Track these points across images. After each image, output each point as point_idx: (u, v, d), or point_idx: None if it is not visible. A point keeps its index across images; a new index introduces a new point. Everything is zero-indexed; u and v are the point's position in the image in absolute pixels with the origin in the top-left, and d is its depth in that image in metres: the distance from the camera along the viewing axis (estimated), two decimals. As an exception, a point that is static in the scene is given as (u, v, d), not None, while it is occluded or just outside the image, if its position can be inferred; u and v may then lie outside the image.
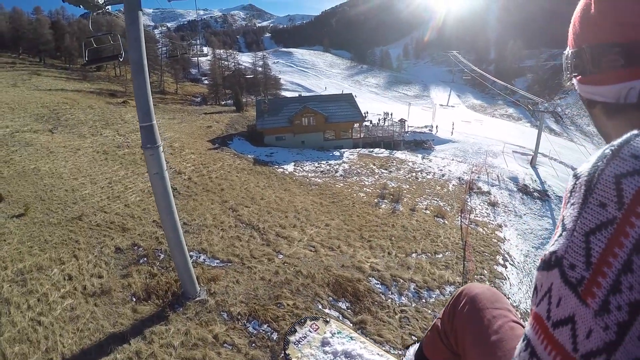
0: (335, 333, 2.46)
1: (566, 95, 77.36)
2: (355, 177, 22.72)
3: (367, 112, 44.97)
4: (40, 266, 10.63)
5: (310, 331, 2.45)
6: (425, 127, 42.13)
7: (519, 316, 1.22)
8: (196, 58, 76.15)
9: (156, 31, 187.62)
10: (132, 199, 15.29)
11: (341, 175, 22.99)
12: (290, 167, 23.61)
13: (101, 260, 11.10)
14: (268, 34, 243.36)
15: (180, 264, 9.22)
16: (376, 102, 66.71)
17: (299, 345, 2.36)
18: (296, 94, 71.49)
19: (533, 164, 32.25)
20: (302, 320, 2.58)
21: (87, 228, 12.74)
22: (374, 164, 25.81)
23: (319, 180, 21.57)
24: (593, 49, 0.61)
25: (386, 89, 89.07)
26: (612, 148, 0.46)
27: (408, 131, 37.21)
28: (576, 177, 0.50)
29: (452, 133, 41.66)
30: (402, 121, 40.03)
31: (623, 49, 0.56)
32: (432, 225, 17.63)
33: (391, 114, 49.43)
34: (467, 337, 1.23)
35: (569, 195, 0.50)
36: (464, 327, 1.25)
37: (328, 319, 2.63)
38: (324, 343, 2.37)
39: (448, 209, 20.19)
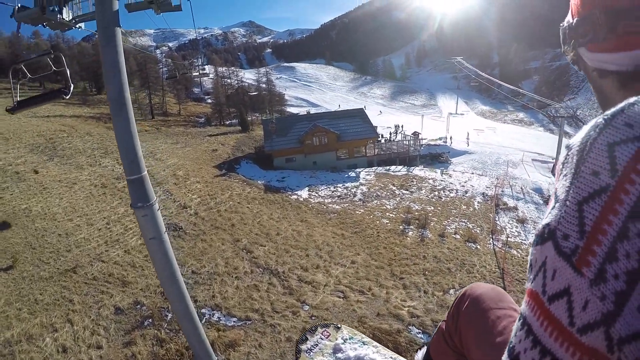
0: (347, 339, 2.43)
1: (575, 95, 75.90)
2: (375, 201, 21.14)
3: (376, 127, 43.71)
4: (30, 335, 9.20)
5: (321, 338, 2.43)
6: (440, 139, 40.64)
7: None
8: (199, 77, 75.89)
9: (157, 51, 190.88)
10: (132, 242, 13.80)
11: (360, 199, 21.41)
12: (304, 193, 22.07)
13: (99, 325, 9.60)
14: (269, 50, 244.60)
15: (191, 335, 7.62)
16: (384, 115, 65.38)
17: (311, 353, 2.34)
18: (302, 110, 70.86)
19: (554, 171, 30.96)
20: (314, 328, 2.54)
21: (82, 283, 11.25)
22: (393, 184, 24.23)
23: (337, 207, 20.01)
24: (608, 13, 0.57)
25: (393, 99, 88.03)
26: (605, 117, 0.46)
27: (423, 144, 35.63)
28: (568, 148, 0.49)
29: (467, 144, 40.28)
30: (415, 134, 38.57)
31: None
32: (465, 253, 16.32)
33: (402, 126, 48.10)
34: (471, 339, 1.19)
35: (561, 167, 0.49)
36: (468, 328, 1.22)
37: (339, 325, 2.57)
38: (336, 350, 2.35)
39: (478, 231, 18.90)
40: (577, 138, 0.48)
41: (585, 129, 0.48)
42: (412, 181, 25.46)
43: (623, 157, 0.41)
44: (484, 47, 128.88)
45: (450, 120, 45.36)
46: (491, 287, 1.29)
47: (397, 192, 22.98)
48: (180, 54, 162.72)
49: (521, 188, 26.24)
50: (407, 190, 23.45)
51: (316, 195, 21.96)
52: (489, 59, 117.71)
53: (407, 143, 34.02)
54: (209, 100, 69.08)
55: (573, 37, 0.65)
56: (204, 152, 32.97)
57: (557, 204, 0.46)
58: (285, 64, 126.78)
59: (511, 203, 23.26)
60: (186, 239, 13.93)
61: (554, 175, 30.38)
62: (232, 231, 15.21)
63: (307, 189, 23.01)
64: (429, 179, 26.43)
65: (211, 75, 78.62)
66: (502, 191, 25.10)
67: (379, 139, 34.13)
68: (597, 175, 0.42)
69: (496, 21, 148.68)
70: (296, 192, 22.23)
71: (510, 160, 34.56)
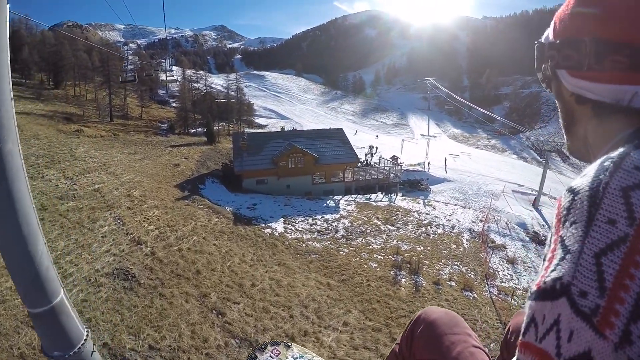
0: (297, 357, 2.40)
1: (546, 124, 79.02)
2: (360, 239, 19.30)
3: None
4: None
5: (271, 357, 2.40)
6: (418, 164, 39.86)
7: (479, 340, 1.22)
8: (164, 78, 72.25)
9: (125, 48, 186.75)
10: (72, 295, 11.04)
11: (343, 235, 19.49)
12: (279, 226, 19.81)
13: None
14: (239, 56, 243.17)
15: None
16: (355, 131, 64.58)
17: None
18: (271, 121, 68.77)
19: (536, 205, 31.72)
20: (263, 346, 2.50)
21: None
22: (377, 218, 22.56)
23: (318, 245, 17.95)
24: (598, 43, 0.56)
25: (363, 116, 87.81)
26: (613, 160, 0.45)
27: (403, 171, 34.55)
28: (573, 192, 0.47)
29: (445, 171, 39.85)
30: (394, 159, 37.51)
31: (634, 52, 0.52)
32: (464, 305, 15.24)
33: (376, 148, 47.18)
34: None
35: (566, 212, 0.47)
36: (422, 354, 1.23)
37: (290, 343, 2.53)
38: (286, 368, 2.29)
39: (472, 276, 18.04)
40: (584, 182, 0.46)
41: (590, 171, 0.46)
42: (397, 214, 23.97)
43: None
44: (453, 70, 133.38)
45: (429, 145, 44.89)
46: (445, 311, 1.30)
47: (382, 227, 21.31)
48: (148, 53, 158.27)
49: (506, 223, 25.86)
50: (393, 225, 21.86)
51: (293, 229, 19.78)
52: (459, 82, 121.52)
53: (387, 169, 32.73)
54: (174, 104, 65.32)
55: (553, 57, 0.64)
56: (164, 166, 29.89)
57: (569, 256, 0.42)
58: (255, 72, 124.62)
59: (499, 240, 22.78)
60: (140, 293, 11.31)
61: (535, 208, 30.54)
62: (197, 280, 12.73)
63: (282, 220, 20.76)
64: (414, 212, 25.10)
65: (178, 78, 75.18)
66: (489, 227, 24.56)
67: (359, 164, 32.56)
68: (614, 224, 0.41)
69: (466, 46, 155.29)
70: (270, 224, 19.94)
71: (490, 191, 34.30)
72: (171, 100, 71.89)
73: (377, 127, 79.82)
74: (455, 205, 29.58)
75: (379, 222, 21.88)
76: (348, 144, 31.13)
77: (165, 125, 54.05)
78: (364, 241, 19.15)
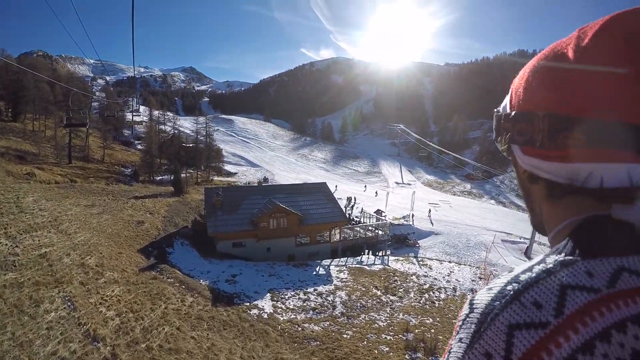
0: None
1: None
2: (362, 315, 17.01)
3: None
4: None
5: None
6: (403, 217, 38.58)
7: None
8: (131, 117, 69.08)
9: (94, 83, 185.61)
10: None
11: (342, 312, 17.14)
12: (267, 304, 17.18)
13: None
14: (206, 99, 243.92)
15: None
16: (329, 180, 63.25)
17: None
18: (240, 168, 66.43)
19: (528, 254, 31.31)
20: None
21: None
22: (375, 287, 20.44)
23: (317, 328, 15.49)
24: (552, 119, 0.53)
25: (335, 164, 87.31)
26: (516, 287, 0.44)
27: (391, 226, 32.97)
28: (471, 307, 0.48)
29: (431, 223, 38.88)
30: (379, 213, 36.06)
31: (589, 127, 0.50)
32: None
33: (354, 199, 45.75)
34: None
35: (460, 325, 0.48)
36: None
37: None
38: None
39: None
40: (482, 300, 0.46)
41: (494, 289, 0.46)
42: (395, 279, 22.00)
43: (521, 347, 0.40)
44: (420, 116, 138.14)
45: (415, 195, 44.06)
46: None
47: (383, 298, 19.17)
48: (116, 90, 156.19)
49: (505, 280, 24.67)
50: (395, 295, 19.79)
51: (283, 307, 17.22)
52: (426, 127, 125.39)
53: (374, 227, 31.02)
54: (140, 146, 61.82)
55: (508, 130, 0.61)
56: (126, 224, 26.57)
57: None
58: (224, 116, 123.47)
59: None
60: None
61: (528, 257, 29.76)
62: (175, 400, 10.00)
63: (269, 296, 18.15)
64: (411, 275, 23.26)
65: (145, 119, 72.49)
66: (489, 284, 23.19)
67: (348, 224, 30.58)
68: (489, 358, 0.42)
69: (431, 92, 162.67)
70: (256, 302, 17.30)
71: (480, 242, 33.48)
72: (136, 142, 68.49)
73: (350, 175, 79.19)
74: (450, 262, 28.30)
75: (378, 292, 19.75)
76: (333, 200, 29.30)
77: (129, 170, 50.47)
78: (367, 318, 16.90)
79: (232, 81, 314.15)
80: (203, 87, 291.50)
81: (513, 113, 0.60)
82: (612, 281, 0.42)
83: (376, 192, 55.53)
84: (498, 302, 0.44)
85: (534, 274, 0.44)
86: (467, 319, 0.46)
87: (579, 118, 0.50)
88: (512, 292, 0.43)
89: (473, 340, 0.44)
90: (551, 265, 0.45)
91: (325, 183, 32.02)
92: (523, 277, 0.44)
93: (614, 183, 0.50)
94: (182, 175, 42.32)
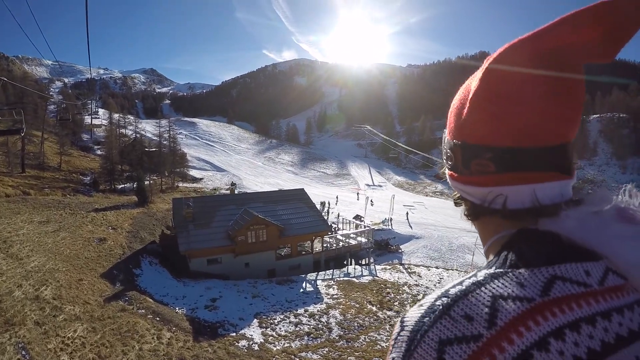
0: None
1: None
2: (362, 337, 15.59)
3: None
4: None
5: None
6: (383, 222, 37.62)
7: None
8: (90, 121, 64.76)
9: (52, 85, 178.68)
10: None
11: (339, 335, 15.62)
12: (255, 333, 15.31)
13: None
14: (168, 101, 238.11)
15: None
16: (299, 184, 61.53)
17: None
18: (206, 173, 63.28)
19: None
20: None
21: None
22: (368, 302, 19.07)
23: (315, 357, 13.88)
24: (464, 148, 0.60)
25: (303, 167, 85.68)
26: (445, 302, 0.44)
27: (373, 232, 31.83)
28: (402, 325, 0.48)
29: (410, 226, 38.20)
30: (358, 218, 34.86)
31: (495, 155, 0.55)
32: None
33: (328, 203, 44.38)
34: None
35: (393, 343, 0.48)
36: None
37: None
38: None
39: None
40: (412, 317, 0.46)
41: (425, 304, 0.47)
42: (387, 291, 20.75)
43: None
44: (385, 117, 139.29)
45: (393, 199, 43.35)
46: None
47: (380, 314, 17.82)
48: (75, 92, 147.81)
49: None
50: (391, 309, 18.49)
51: (274, 334, 15.44)
52: (391, 128, 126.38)
53: (357, 234, 29.75)
54: (99, 152, 57.48)
55: (443, 154, 0.68)
56: (86, 242, 23.63)
57: None
58: (186, 119, 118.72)
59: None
60: None
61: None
62: None
63: (256, 322, 16.28)
64: (402, 285, 22.14)
65: (104, 124, 68.19)
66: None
67: (331, 232, 29.00)
68: None
69: (396, 92, 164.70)
70: (243, 331, 15.39)
71: (462, 245, 33.09)
72: (96, 147, 63.87)
73: (319, 178, 77.83)
74: (437, 267, 27.61)
75: (374, 308, 18.38)
76: (314, 208, 27.63)
77: (89, 178, 46.49)
78: (367, 339, 15.46)
79: (194, 83, 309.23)
80: (164, 89, 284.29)
81: (445, 140, 0.65)
82: (545, 290, 0.42)
83: (357, 196, 54.52)
84: (427, 318, 0.43)
85: (464, 287, 0.44)
86: (399, 338, 0.46)
87: (485, 146, 0.55)
88: (441, 307, 0.43)
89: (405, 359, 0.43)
90: (482, 278, 0.45)
91: (303, 189, 30.32)
92: (453, 291, 0.44)
93: (517, 204, 0.54)
94: (146, 182, 39.26)
